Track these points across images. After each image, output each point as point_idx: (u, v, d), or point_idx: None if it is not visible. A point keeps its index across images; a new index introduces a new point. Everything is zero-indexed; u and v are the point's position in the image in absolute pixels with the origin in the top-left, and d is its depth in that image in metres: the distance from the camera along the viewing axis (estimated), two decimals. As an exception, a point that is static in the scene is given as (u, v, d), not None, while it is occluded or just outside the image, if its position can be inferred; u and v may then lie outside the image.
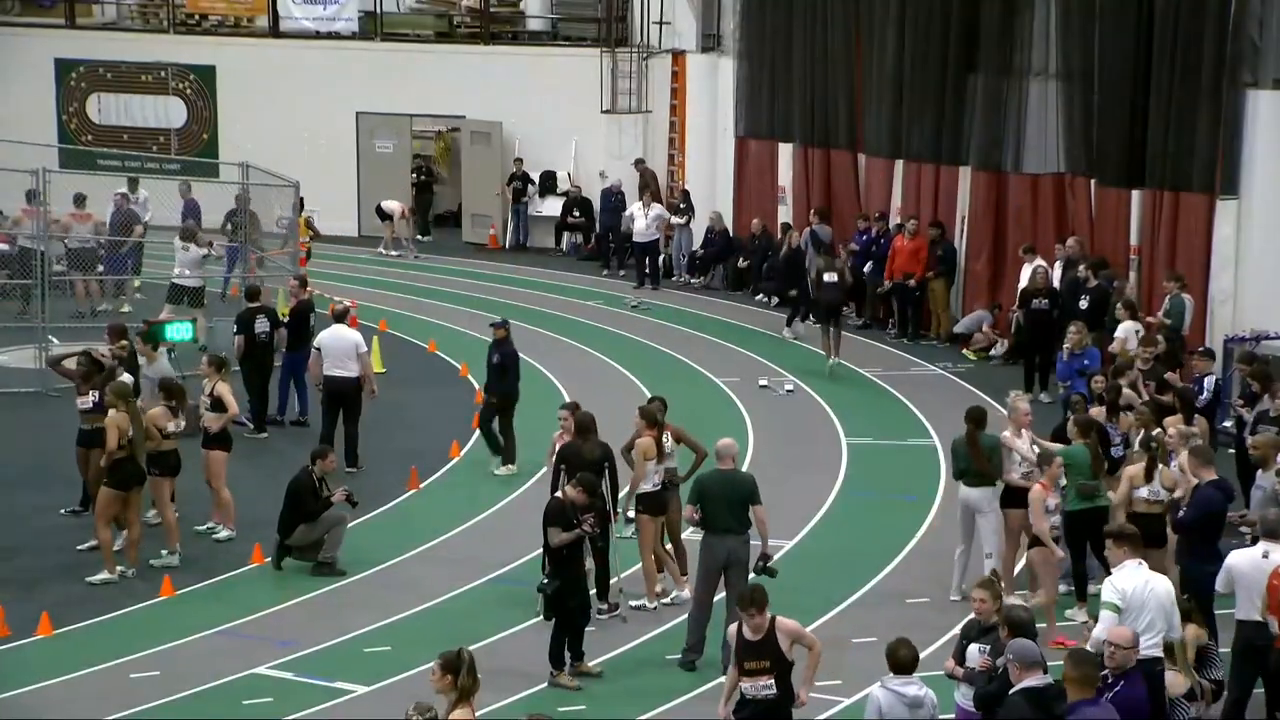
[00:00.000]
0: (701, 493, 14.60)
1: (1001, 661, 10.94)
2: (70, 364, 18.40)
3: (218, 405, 17.85)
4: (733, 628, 11.81)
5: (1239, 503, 16.10)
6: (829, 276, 25.32)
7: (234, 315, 22.81)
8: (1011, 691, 10.63)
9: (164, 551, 17.17)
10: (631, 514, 16.21)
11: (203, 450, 17.86)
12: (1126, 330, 21.11)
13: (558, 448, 16.09)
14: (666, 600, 16.09)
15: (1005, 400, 17.25)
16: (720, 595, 14.67)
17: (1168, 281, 22.21)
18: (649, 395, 19.28)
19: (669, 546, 16.43)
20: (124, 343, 19.33)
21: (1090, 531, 15.21)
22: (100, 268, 28.05)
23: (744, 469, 16.99)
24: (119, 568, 16.66)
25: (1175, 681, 12.22)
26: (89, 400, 17.45)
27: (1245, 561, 12.94)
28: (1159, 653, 12.17)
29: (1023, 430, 16.12)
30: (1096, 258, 23.93)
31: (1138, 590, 12.14)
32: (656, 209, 31.92)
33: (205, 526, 17.99)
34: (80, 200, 28.42)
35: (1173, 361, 20.01)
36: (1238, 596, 12.97)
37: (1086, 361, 20.21)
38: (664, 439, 16.12)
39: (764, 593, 11.65)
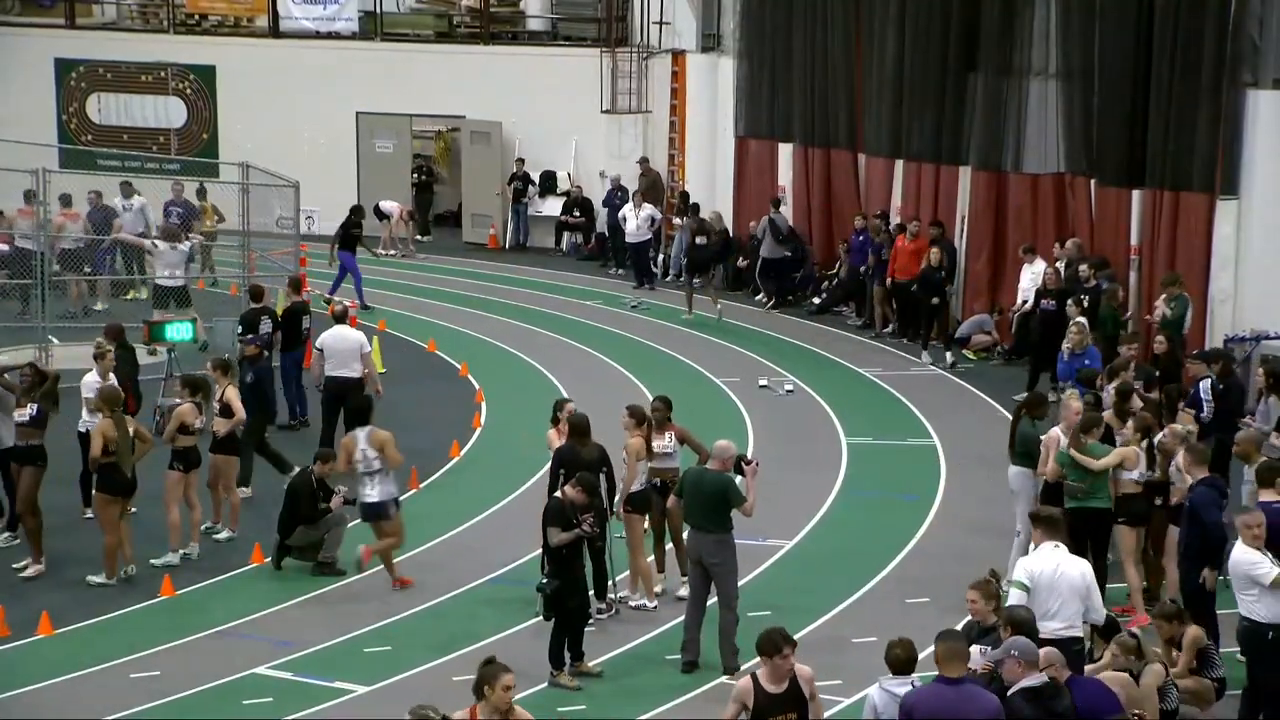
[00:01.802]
0: (681, 486, 14.88)
1: (998, 657, 10.90)
2: (13, 376, 17.59)
3: (226, 411, 17.79)
4: (745, 682, 10.88)
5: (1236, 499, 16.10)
6: (700, 240, 29.15)
7: (227, 314, 22.74)
8: (1011, 691, 10.64)
9: (191, 545, 17.34)
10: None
11: (210, 454, 17.83)
12: (1081, 325, 20.96)
13: (555, 449, 16.00)
14: (635, 602, 16.03)
15: (1010, 400, 17.25)
16: (713, 599, 14.68)
17: (1168, 286, 22.02)
18: (650, 395, 19.30)
19: (669, 546, 16.46)
20: (109, 349, 18.72)
21: (1085, 532, 15.20)
22: (87, 268, 28.05)
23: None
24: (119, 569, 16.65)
25: (1147, 678, 12.24)
26: (26, 414, 16.94)
27: None
28: (1078, 633, 12.35)
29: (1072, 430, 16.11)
30: (1097, 257, 23.91)
31: (1046, 573, 12.28)
32: (648, 209, 31.85)
33: (204, 526, 17.99)
34: (66, 200, 28.36)
35: (1172, 361, 19.97)
36: None
37: (1087, 361, 20.18)
38: (666, 437, 16.13)
39: (787, 633, 10.85)
